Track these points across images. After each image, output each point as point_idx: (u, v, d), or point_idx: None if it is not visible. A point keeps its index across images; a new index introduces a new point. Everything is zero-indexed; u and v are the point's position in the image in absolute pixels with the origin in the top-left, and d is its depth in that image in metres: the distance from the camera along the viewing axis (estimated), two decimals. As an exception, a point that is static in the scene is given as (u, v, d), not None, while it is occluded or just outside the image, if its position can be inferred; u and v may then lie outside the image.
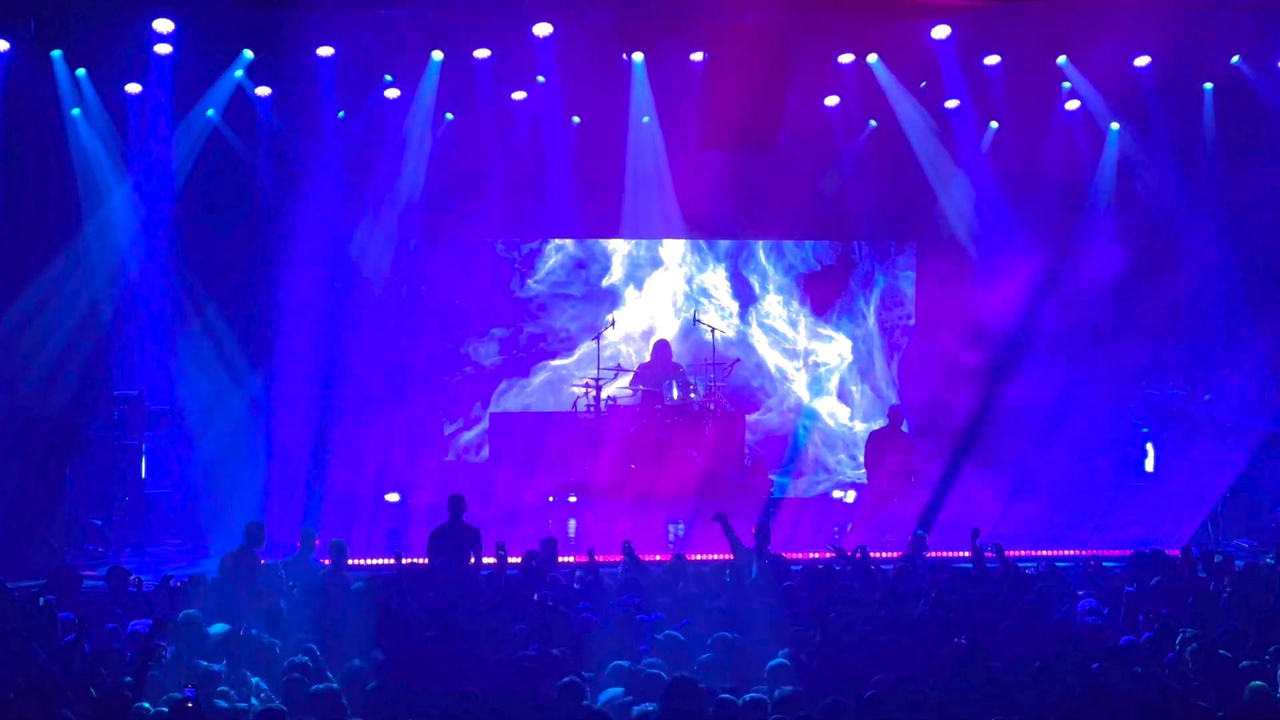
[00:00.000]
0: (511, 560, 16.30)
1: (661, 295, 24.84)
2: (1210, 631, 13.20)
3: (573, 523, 21.67)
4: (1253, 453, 21.48)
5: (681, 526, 21.25)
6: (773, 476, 23.42)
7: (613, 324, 23.90)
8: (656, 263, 24.79)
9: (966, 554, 16.75)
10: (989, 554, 16.21)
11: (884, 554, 18.42)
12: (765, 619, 13.86)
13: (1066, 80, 22.10)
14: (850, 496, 23.06)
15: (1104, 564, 17.16)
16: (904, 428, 22.79)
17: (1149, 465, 22.62)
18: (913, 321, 24.73)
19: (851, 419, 24.82)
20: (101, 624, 14.04)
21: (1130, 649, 12.89)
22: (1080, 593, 15.73)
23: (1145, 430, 22.77)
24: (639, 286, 24.82)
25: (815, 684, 11.78)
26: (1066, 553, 18.65)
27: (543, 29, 20.28)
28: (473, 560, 16.95)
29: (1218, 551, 17.08)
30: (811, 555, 18.94)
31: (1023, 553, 18.44)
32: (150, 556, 20.17)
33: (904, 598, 14.77)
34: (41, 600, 13.82)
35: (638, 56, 21.44)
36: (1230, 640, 12.83)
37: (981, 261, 23.34)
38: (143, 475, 21.15)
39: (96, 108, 20.83)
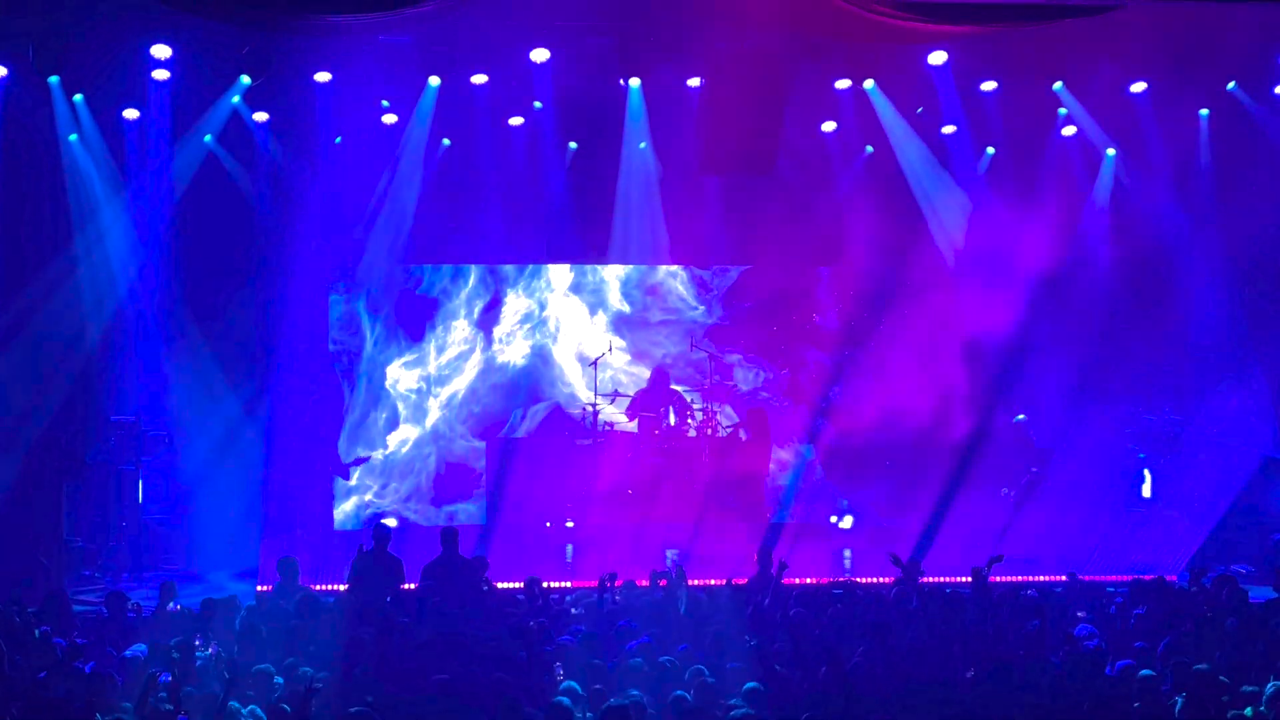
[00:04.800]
0: (513, 585, 16.33)
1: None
2: (1211, 659, 13.19)
3: (569, 548, 21.63)
4: (1251, 477, 21.49)
5: (675, 552, 21.24)
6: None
7: (610, 350, 23.88)
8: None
9: (965, 579, 16.71)
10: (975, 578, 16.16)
11: (880, 578, 18.44)
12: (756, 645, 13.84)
13: (1063, 106, 22.14)
14: (848, 522, 23.06)
15: (1105, 589, 17.15)
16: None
17: (1146, 491, 22.62)
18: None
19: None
20: (99, 649, 14.03)
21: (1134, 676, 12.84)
22: (1080, 614, 15.72)
23: (1142, 456, 22.79)
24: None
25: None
26: (1063, 578, 18.58)
27: (540, 54, 20.30)
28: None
29: (1222, 575, 17.02)
30: (809, 580, 18.94)
31: (1020, 578, 18.40)
32: (147, 581, 20.13)
33: (898, 623, 14.75)
34: (37, 632, 13.76)
35: (635, 82, 21.44)
36: (1232, 669, 12.82)
37: (977, 286, 23.32)
38: (139, 500, 21.13)
39: (94, 134, 20.84)
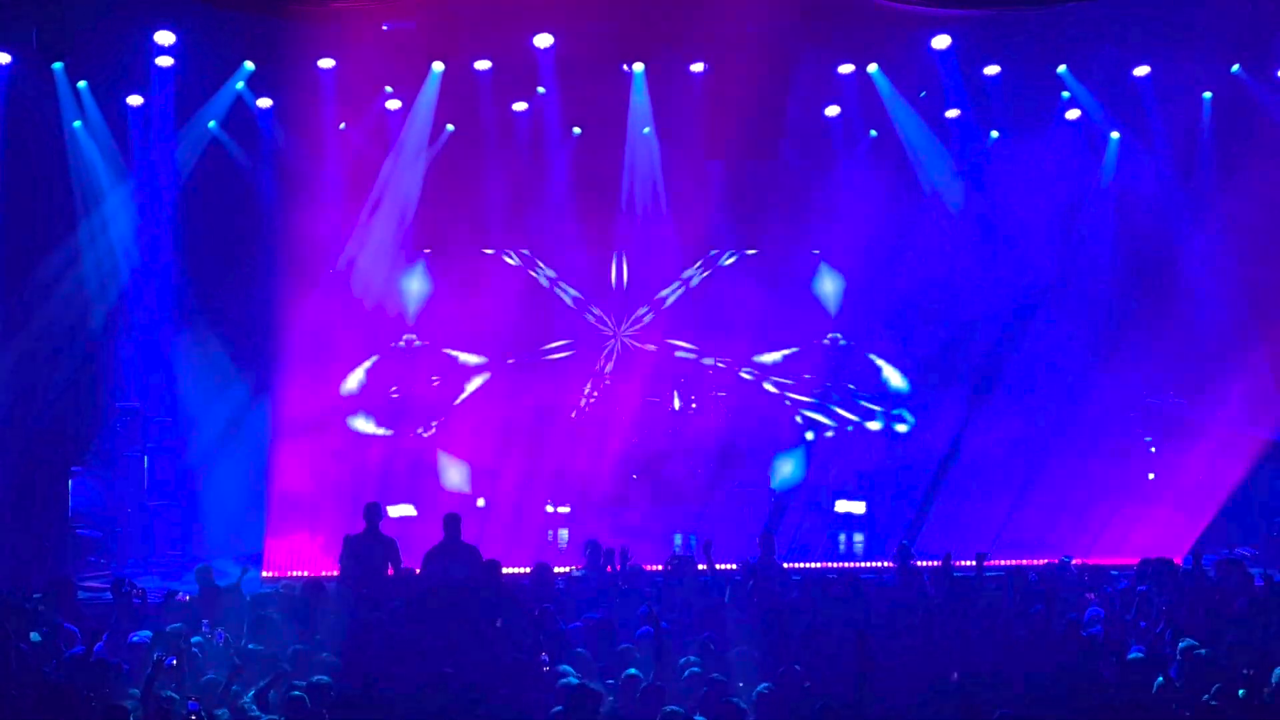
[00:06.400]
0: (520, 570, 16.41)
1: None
2: (1219, 640, 13.23)
3: (564, 533, 21.58)
4: (1255, 460, 21.52)
5: (692, 538, 21.30)
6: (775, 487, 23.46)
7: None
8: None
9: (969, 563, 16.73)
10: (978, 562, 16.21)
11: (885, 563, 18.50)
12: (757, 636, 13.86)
13: (1066, 90, 22.11)
14: (859, 507, 23.13)
15: (1110, 572, 17.19)
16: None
17: (1150, 474, 22.68)
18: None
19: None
20: (104, 635, 14.07)
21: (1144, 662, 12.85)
22: (1090, 596, 15.75)
23: (1148, 439, 22.82)
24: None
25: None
26: (1072, 561, 18.57)
27: (543, 40, 20.30)
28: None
29: (1230, 559, 17.05)
30: (813, 565, 19.01)
31: (1026, 561, 18.41)
32: (153, 568, 20.19)
33: (905, 608, 14.78)
34: (35, 636, 13.70)
35: (638, 67, 21.43)
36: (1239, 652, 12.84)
37: (980, 270, 23.33)
38: (145, 487, 21.17)
39: (98, 120, 20.85)
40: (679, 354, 24.36)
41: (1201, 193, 22.64)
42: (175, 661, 12.13)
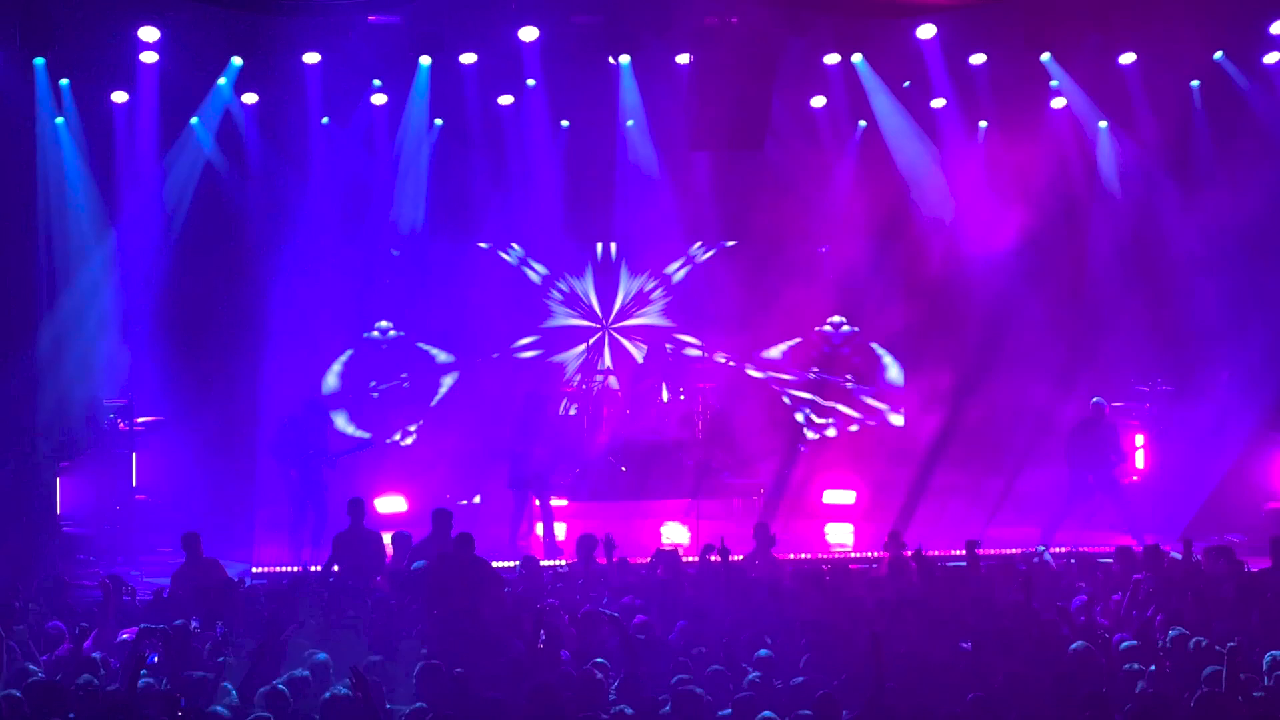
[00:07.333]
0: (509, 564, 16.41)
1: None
2: (1209, 627, 13.24)
3: (541, 526, 21.49)
4: (1243, 447, 21.55)
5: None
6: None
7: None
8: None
9: (958, 553, 16.76)
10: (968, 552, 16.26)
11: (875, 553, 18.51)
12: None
13: (1053, 79, 22.09)
14: (850, 497, 23.17)
15: (1097, 559, 17.22)
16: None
17: (1139, 461, 22.68)
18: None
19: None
20: (94, 633, 14.03)
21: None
22: (1080, 585, 15.77)
23: (1135, 424, 22.84)
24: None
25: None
26: (1057, 550, 18.61)
27: (529, 33, 20.26)
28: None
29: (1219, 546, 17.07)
30: (804, 555, 19.03)
31: (1015, 551, 18.44)
32: (141, 565, 20.15)
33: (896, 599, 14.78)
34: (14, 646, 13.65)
35: (624, 59, 21.41)
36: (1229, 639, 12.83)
37: (967, 260, 23.33)
38: (133, 484, 21.13)
39: (80, 118, 20.78)
40: (667, 345, 24.38)
41: (1189, 179, 22.64)
42: (156, 659, 12.11)
